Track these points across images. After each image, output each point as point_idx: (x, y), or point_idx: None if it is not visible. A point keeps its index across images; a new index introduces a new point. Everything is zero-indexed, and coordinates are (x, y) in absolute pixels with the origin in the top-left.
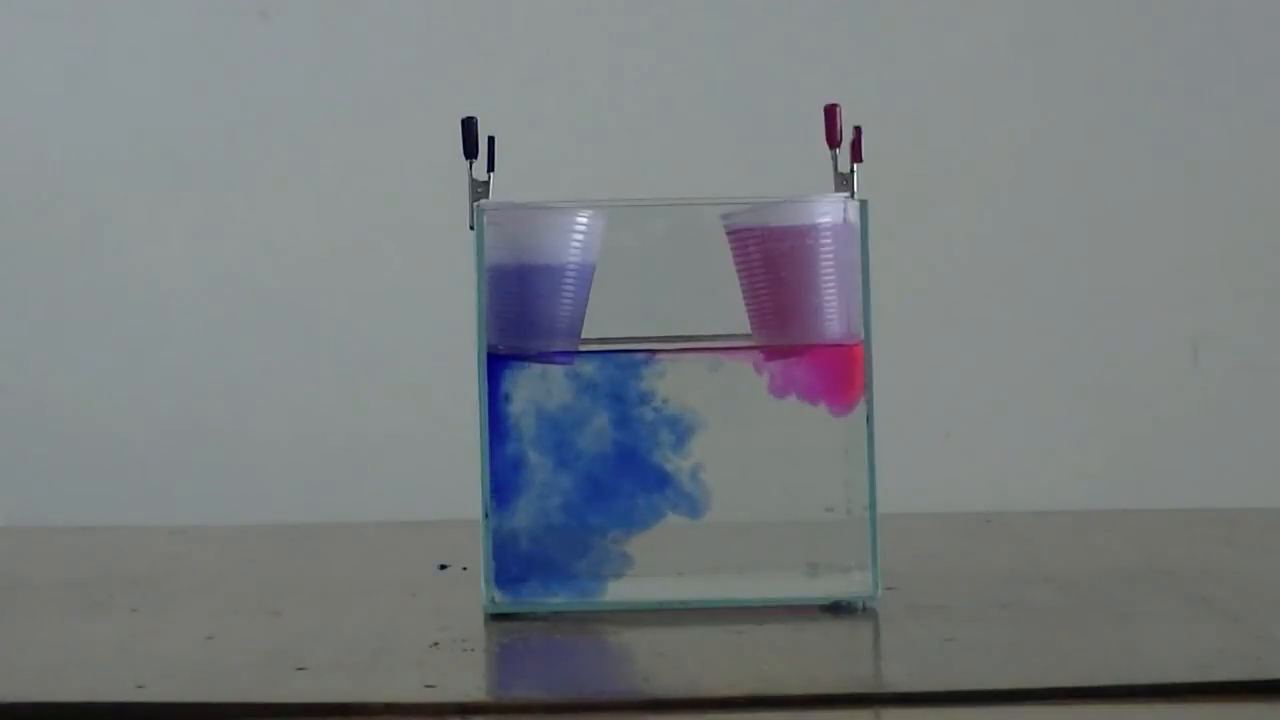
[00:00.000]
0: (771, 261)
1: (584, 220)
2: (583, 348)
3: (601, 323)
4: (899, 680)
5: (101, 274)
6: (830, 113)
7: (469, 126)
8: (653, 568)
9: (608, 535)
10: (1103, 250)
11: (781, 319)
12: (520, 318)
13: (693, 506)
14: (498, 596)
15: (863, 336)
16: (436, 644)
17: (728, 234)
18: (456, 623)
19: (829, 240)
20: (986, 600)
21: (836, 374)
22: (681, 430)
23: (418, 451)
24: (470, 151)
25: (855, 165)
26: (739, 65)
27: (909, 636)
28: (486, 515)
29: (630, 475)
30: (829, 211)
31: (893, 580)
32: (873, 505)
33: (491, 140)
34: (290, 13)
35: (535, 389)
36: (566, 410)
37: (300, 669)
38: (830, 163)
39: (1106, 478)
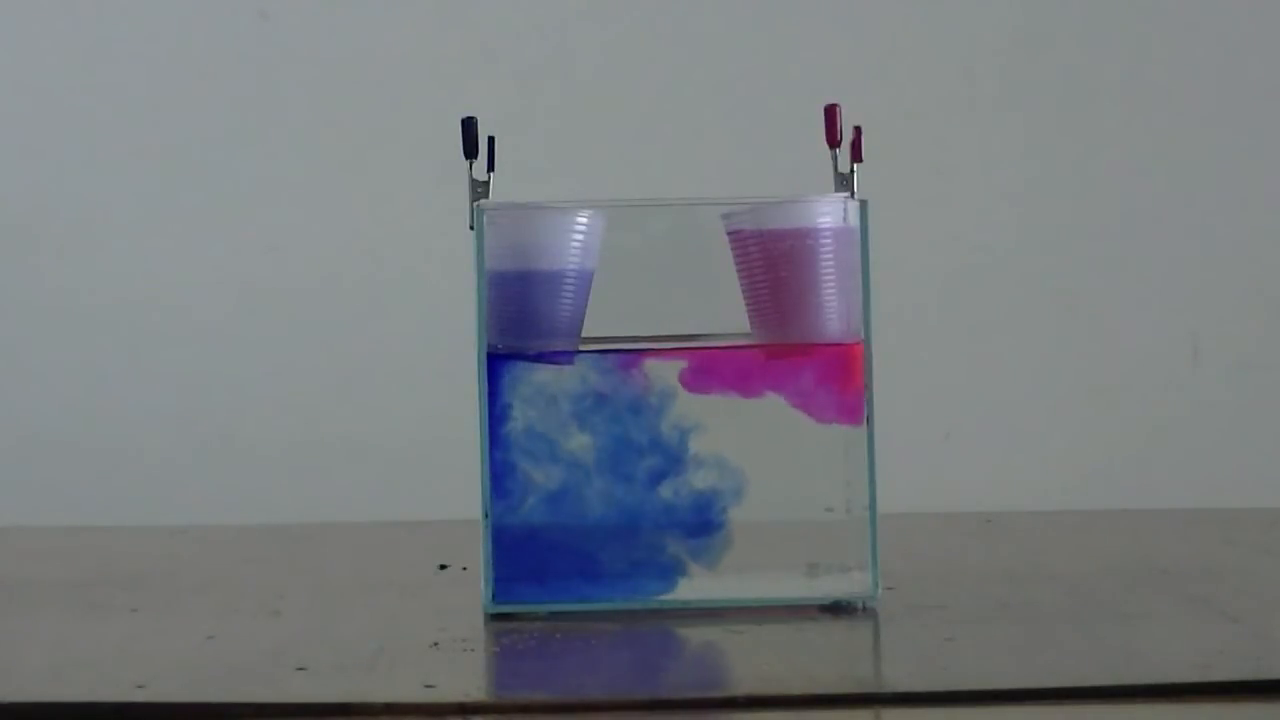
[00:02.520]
0: (772, 261)
1: (584, 220)
2: (583, 347)
3: (601, 322)
4: (899, 680)
5: (101, 274)
6: (830, 113)
7: (469, 126)
8: (652, 567)
9: (607, 535)
10: (1103, 250)
11: (782, 319)
12: (520, 317)
13: (692, 506)
14: (498, 596)
15: (863, 336)
16: (436, 644)
17: (728, 234)
18: (456, 623)
19: (829, 240)
20: (986, 600)
21: (836, 374)
22: (681, 430)
23: (418, 451)
24: (470, 151)
25: (855, 165)
26: (739, 65)
27: (909, 636)
28: (486, 515)
29: (630, 475)
30: (829, 211)
31: (893, 580)
32: (873, 505)
33: (491, 140)
34: (290, 13)
35: (535, 389)
36: (566, 409)
37: (300, 669)
38: (830, 163)
39: (1106, 478)
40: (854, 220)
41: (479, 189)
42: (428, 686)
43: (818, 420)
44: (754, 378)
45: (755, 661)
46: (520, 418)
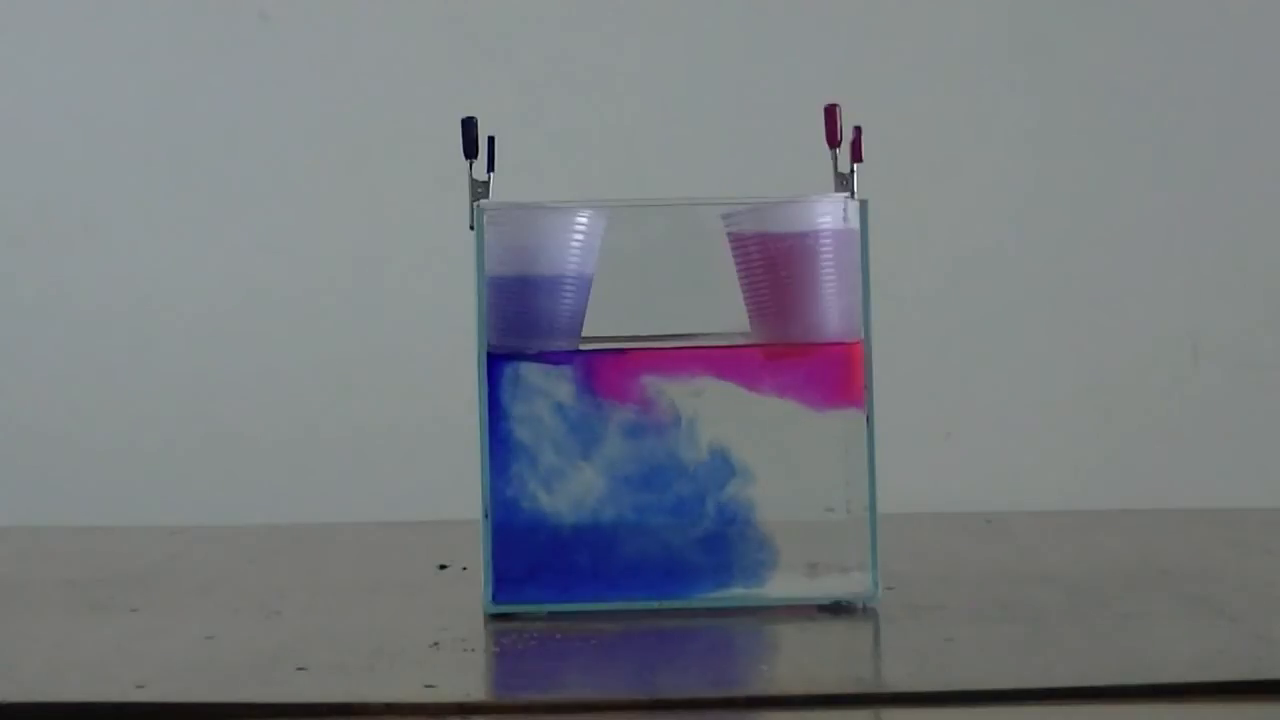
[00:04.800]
0: (771, 261)
1: (584, 220)
2: (583, 347)
3: (601, 322)
4: (899, 680)
5: (101, 274)
6: (830, 113)
7: (469, 126)
8: (652, 567)
9: (607, 535)
10: (1103, 250)
11: (781, 318)
12: (520, 318)
13: (692, 506)
14: (498, 596)
15: (863, 336)
16: (436, 644)
17: (728, 235)
18: (456, 623)
19: (829, 240)
20: (986, 600)
21: (836, 373)
22: (680, 430)
23: (418, 451)
24: (470, 151)
25: (855, 165)
26: (739, 65)
27: (909, 636)
28: (486, 515)
29: (629, 475)
30: (829, 211)
31: (893, 580)
32: (873, 505)
33: (491, 140)
34: (290, 14)
35: (535, 389)
36: (566, 410)
37: (300, 669)
38: (830, 163)
39: (1106, 478)
40: (854, 220)
41: (479, 189)
42: (428, 686)
43: (818, 420)
44: (754, 377)
45: (755, 661)
46: (520, 418)
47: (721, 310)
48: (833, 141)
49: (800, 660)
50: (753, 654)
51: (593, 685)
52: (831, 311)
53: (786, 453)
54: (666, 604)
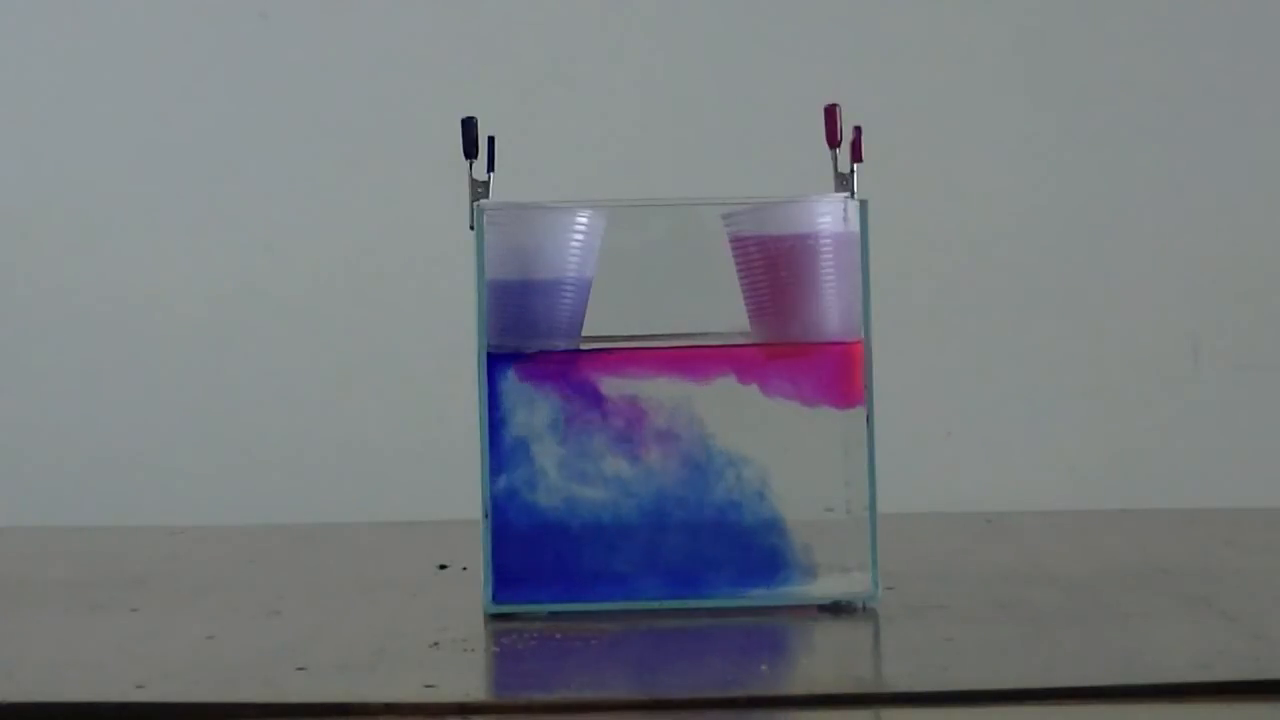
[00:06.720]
0: (772, 261)
1: (584, 220)
2: (583, 346)
3: (601, 322)
4: (899, 680)
5: (101, 275)
6: (830, 113)
7: (469, 126)
8: (652, 567)
9: (606, 534)
10: (1103, 251)
11: (782, 318)
12: (520, 318)
13: (692, 504)
14: (498, 596)
15: (863, 336)
16: (436, 644)
17: (728, 235)
18: (456, 623)
19: (829, 240)
20: (986, 600)
21: (836, 373)
22: (680, 430)
23: (418, 451)
24: (470, 151)
25: (855, 165)
26: (739, 65)
27: (909, 636)
28: (486, 515)
29: (629, 474)
30: (829, 211)
31: (893, 580)
32: (873, 505)
33: (491, 140)
34: (290, 13)
35: (535, 389)
36: (566, 410)
37: (300, 669)
38: (830, 163)
39: (1106, 478)
40: (854, 220)
41: (479, 189)
42: (428, 686)
43: (818, 420)
44: (753, 377)
45: (755, 661)
46: (520, 418)
47: (721, 310)
48: (833, 141)
49: (800, 660)
50: (753, 654)
51: (593, 685)
52: (831, 311)
53: (786, 452)
54: (666, 604)
